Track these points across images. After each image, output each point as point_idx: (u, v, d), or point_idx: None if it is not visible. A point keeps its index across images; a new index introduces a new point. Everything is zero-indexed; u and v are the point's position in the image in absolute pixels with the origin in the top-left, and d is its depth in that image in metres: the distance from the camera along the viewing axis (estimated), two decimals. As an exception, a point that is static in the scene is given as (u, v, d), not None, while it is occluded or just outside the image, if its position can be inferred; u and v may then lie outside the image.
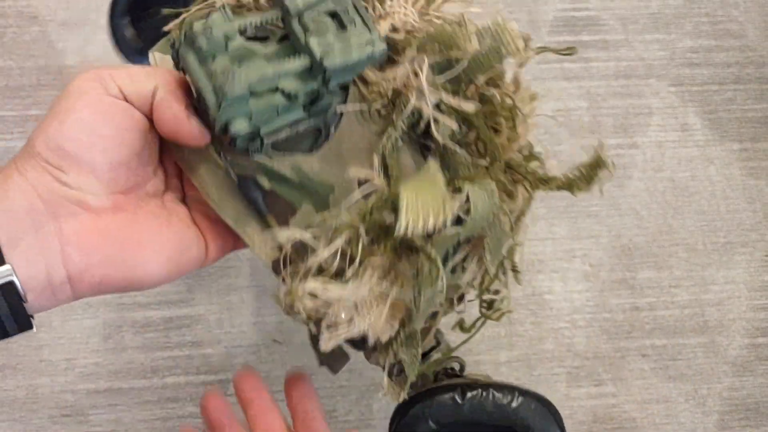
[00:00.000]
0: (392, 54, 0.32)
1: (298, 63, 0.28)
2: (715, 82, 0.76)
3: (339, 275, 0.31)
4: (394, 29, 0.31)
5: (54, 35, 0.72)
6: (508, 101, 0.33)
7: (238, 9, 0.32)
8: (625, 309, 0.71)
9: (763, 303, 0.72)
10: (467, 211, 0.30)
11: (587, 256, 0.71)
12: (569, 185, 0.34)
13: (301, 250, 0.31)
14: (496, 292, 0.36)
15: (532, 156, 0.35)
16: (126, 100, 0.29)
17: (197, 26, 0.27)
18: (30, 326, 0.29)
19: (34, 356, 0.66)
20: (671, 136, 0.75)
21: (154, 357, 0.66)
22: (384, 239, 0.30)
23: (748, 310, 0.72)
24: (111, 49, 0.72)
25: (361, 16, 0.29)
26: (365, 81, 0.32)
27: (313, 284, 0.30)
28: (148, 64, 0.36)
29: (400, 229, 0.28)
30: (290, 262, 0.32)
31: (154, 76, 0.30)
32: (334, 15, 0.29)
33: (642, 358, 0.70)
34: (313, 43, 0.28)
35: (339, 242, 0.30)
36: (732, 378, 0.70)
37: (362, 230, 0.30)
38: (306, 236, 0.31)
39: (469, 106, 0.31)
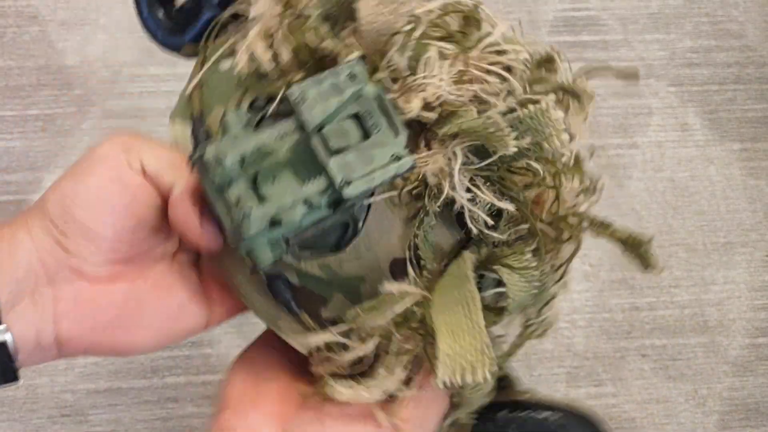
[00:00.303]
0: (428, 125, 0.29)
1: (318, 185, 0.26)
2: (715, 82, 0.76)
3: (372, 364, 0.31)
4: (427, 106, 0.28)
5: (54, 35, 0.72)
6: (552, 169, 0.31)
7: (257, 81, 0.31)
8: (624, 309, 0.71)
9: (764, 303, 0.72)
10: (504, 295, 0.29)
11: (587, 256, 0.71)
12: (625, 241, 0.32)
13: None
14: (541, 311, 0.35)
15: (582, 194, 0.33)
16: (145, 175, 0.29)
17: (209, 155, 0.26)
18: (16, 379, 0.29)
19: (33, 356, 0.66)
20: (671, 136, 0.75)
21: (154, 357, 0.66)
22: (418, 328, 0.30)
23: (749, 310, 0.72)
24: (111, 49, 0.72)
25: (387, 116, 0.27)
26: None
27: (344, 391, 0.30)
28: (181, 46, 0.35)
29: (438, 383, 0.27)
30: (324, 346, 0.31)
31: (177, 169, 0.29)
32: (357, 116, 0.27)
33: (642, 358, 0.70)
34: (333, 166, 0.26)
35: (372, 344, 0.30)
36: (732, 378, 0.70)
37: (395, 335, 0.30)
38: (338, 338, 0.30)
39: (507, 206, 0.29)
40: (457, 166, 0.28)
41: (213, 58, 0.33)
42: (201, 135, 0.31)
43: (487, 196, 0.29)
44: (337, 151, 0.26)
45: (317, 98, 0.26)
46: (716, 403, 0.69)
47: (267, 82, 0.30)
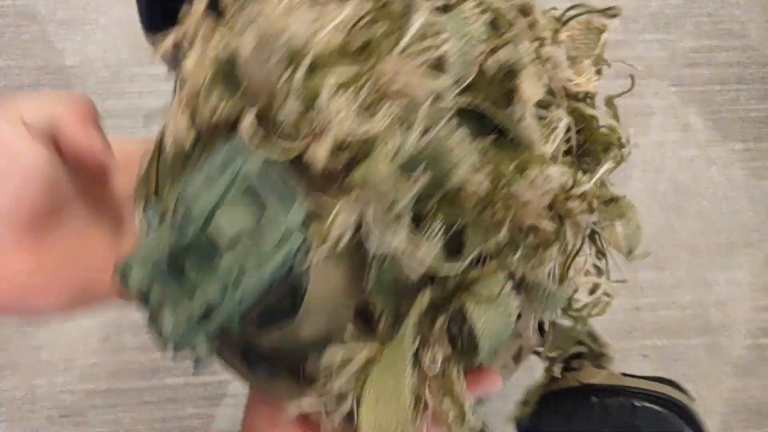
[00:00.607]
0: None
1: (214, 286, 0.25)
2: (716, 82, 0.76)
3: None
4: (339, 146, 0.25)
5: (53, 35, 0.72)
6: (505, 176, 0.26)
7: (184, 162, 0.28)
8: (625, 309, 0.70)
9: (766, 303, 0.72)
10: (474, 335, 0.26)
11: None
12: (621, 212, 0.29)
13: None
14: (595, 289, 0.30)
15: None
16: (32, 131, 0.28)
17: (118, 270, 0.25)
18: None
19: (32, 356, 0.65)
20: (672, 137, 0.75)
21: (154, 357, 0.66)
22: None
23: (751, 311, 0.71)
24: (111, 49, 0.72)
25: (277, 185, 0.25)
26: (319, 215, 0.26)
27: None
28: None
29: None
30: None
31: (60, 109, 0.29)
32: (250, 192, 0.25)
33: (643, 358, 0.69)
34: (225, 263, 0.25)
35: (348, 404, 0.28)
36: (734, 379, 0.70)
37: (362, 394, 0.28)
38: (315, 406, 0.29)
39: (429, 251, 0.25)
40: (370, 216, 0.25)
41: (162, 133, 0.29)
42: (153, 219, 0.29)
43: (413, 244, 0.25)
44: (233, 240, 0.25)
45: (198, 190, 0.25)
46: (718, 404, 0.69)
47: (193, 160, 0.28)
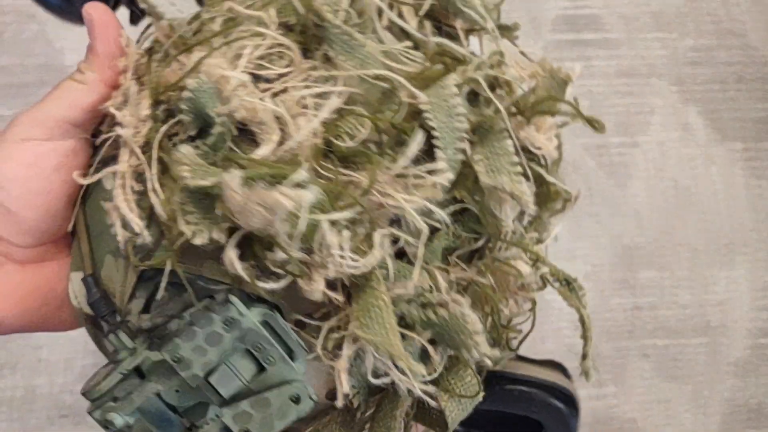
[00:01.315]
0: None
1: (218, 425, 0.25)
2: (717, 82, 0.76)
3: None
4: (332, 284, 0.24)
5: (52, 34, 0.72)
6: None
7: (136, 255, 0.26)
8: (626, 309, 0.70)
9: (766, 303, 0.72)
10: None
11: (588, 256, 0.71)
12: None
13: None
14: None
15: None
16: (76, 127, 0.27)
17: (97, 416, 0.25)
18: None
19: (32, 356, 0.65)
20: (673, 136, 0.75)
21: (153, 357, 0.66)
22: None
23: (751, 311, 0.71)
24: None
25: (279, 340, 0.25)
26: (302, 325, 0.26)
27: None
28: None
29: None
30: None
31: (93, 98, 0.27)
32: (248, 350, 0.25)
33: (643, 358, 0.69)
34: (228, 419, 0.25)
35: None
36: (734, 379, 0.70)
37: None
38: None
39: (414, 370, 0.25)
40: (367, 353, 0.25)
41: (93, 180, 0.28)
42: (100, 305, 0.27)
43: (404, 384, 0.25)
44: (233, 398, 0.25)
45: (194, 355, 0.25)
46: (718, 404, 0.69)
47: (146, 254, 0.26)
